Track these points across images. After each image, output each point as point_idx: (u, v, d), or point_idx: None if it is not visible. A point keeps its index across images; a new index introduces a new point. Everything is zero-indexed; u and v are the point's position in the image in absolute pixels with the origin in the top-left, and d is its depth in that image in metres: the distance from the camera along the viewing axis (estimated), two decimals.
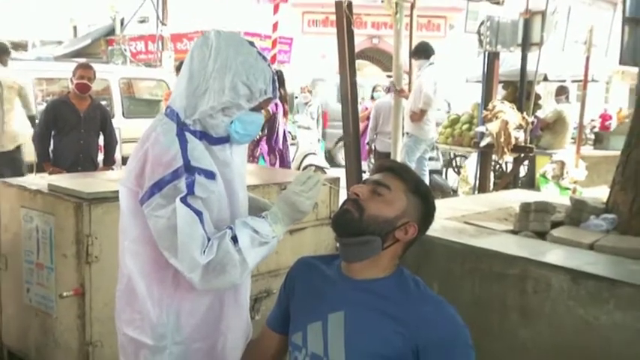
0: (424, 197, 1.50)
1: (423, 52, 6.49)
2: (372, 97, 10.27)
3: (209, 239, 1.49)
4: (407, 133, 6.54)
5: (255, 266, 1.56)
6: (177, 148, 1.50)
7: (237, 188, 1.65)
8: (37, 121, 5.52)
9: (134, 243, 1.60)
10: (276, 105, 5.33)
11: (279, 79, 5.42)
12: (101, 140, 5.35)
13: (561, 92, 8.30)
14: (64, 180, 2.90)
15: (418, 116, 6.37)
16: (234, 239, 1.49)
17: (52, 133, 5.03)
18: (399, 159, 6.27)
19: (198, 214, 1.48)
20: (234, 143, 1.64)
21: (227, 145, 1.62)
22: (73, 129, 5.00)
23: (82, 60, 8.21)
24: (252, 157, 5.32)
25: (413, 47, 6.97)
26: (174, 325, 1.60)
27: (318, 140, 9.49)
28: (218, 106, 1.54)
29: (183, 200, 1.46)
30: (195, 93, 1.55)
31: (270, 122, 5.33)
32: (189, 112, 1.56)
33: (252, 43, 1.61)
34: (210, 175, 1.52)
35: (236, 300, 1.71)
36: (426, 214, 1.50)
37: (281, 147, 5.70)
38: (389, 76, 7.58)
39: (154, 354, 1.61)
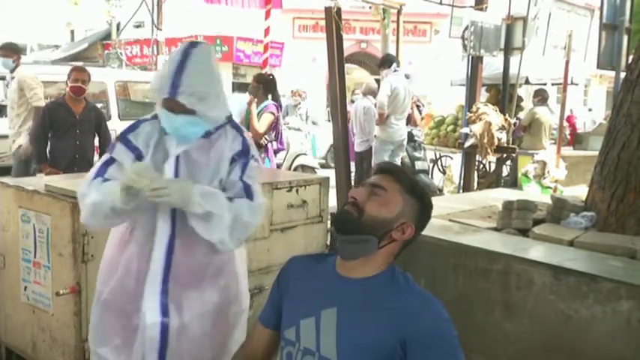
0: (420, 197, 1.52)
1: (385, 62, 6.76)
2: (352, 101, 10.39)
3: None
4: (375, 136, 6.76)
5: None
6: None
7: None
8: None
9: None
10: (277, 107, 5.38)
11: (272, 82, 5.47)
12: (96, 141, 5.38)
13: (538, 95, 8.44)
14: (61, 180, 2.92)
15: (379, 120, 6.60)
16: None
17: (49, 134, 5.05)
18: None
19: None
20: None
21: (168, 135, 1.90)
22: (69, 130, 5.02)
23: (79, 63, 8.27)
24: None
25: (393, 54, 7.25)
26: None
27: (306, 136, 9.60)
28: None
29: None
30: None
31: (274, 125, 5.37)
32: None
33: (182, 48, 1.86)
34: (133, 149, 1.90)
35: None
36: (423, 214, 1.53)
37: (284, 147, 5.74)
38: (377, 80, 7.68)
39: None
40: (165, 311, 1.85)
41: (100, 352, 1.94)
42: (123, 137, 1.92)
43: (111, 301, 1.93)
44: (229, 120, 1.98)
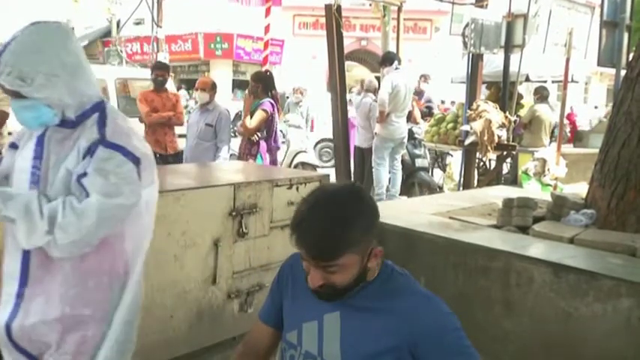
0: (362, 227, 1.41)
1: (387, 60, 6.83)
2: (350, 100, 10.40)
3: None
4: (376, 134, 6.80)
5: None
6: None
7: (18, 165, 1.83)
8: None
9: None
10: (272, 105, 5.37)
11: (270, 79, 5.46)
12: None
13: (538, 92, 8.44)
14: None
15: (379, 118, 6.63)
16: None
17: None
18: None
19: None
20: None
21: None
22: None
23: None
24: (250, 156, 5.36)
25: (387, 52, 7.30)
26: None
27: (307, 138, 9.59)
28: None
29: None
30: None
31: (269, 122, 5.36)
32: None
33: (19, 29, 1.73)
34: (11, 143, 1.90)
35: None
36: (376, 224, 1.45)
37: (279, 145, 5.75)
38: (377, 77, 7.70)
39: None
40: (14, 313, 1.76)
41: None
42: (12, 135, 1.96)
43: None
44: (98, 108, 1.79)
